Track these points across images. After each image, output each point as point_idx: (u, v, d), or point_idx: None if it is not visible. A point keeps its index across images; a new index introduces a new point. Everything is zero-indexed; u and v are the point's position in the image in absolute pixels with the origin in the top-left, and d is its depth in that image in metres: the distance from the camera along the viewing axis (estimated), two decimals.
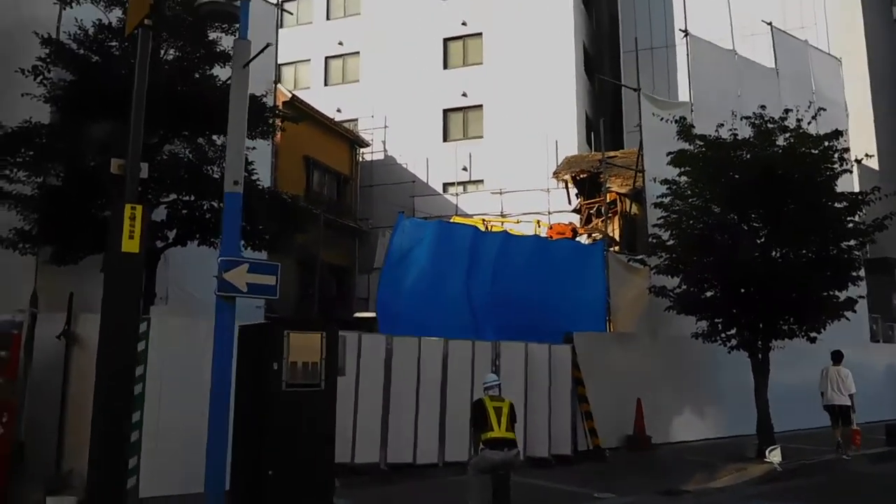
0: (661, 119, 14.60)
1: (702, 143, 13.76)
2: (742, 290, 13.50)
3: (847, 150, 13.67)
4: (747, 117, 13.60)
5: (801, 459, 13.01)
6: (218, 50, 10.14)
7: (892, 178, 27.16)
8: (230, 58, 10.19)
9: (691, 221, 13.89)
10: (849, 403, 13.71)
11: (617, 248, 18.16)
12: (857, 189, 16.20)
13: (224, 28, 10.09)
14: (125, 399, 7.18)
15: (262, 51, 7.67)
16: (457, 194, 29.04)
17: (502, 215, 27.45)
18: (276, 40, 13.55)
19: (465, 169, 29.34)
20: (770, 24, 19.44)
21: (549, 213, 26.67)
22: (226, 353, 7.38)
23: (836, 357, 13.99)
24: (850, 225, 13.58)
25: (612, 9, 32.16)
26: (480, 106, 29.69)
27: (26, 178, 10.00)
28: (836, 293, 13.73)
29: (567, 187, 24.25)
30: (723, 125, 13.98)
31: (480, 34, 29.95)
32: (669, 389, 14.99)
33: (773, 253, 13.53)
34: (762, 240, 13.46)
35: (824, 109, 14.02)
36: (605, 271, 15.19)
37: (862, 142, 26.21)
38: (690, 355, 15.04)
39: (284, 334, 7.49)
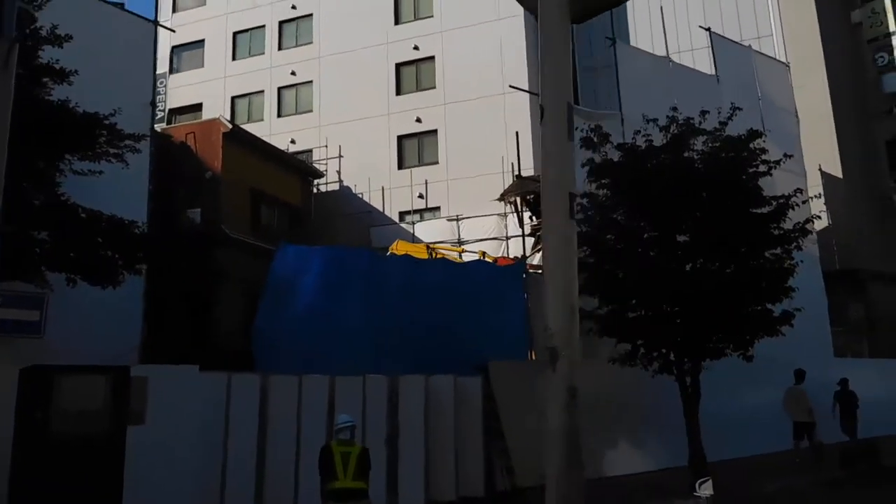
0: (579, 129, 13.62)
1: (620, 152, 12.80)
2: (665, 308, 12.40)
3: (764, 150, 12.62)
4: (653, 120, 12.61)
5: (735, 492, 11.77)
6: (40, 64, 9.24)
7: (854, 182, 26.26)
8: (60, 73, 9.39)
9: (608, 236, 12.85)
10: (812, 421, 14.01)
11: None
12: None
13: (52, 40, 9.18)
14: None
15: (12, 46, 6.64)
16: (413, 223, 28.07)
17: (459, 242, 26.48)
18: (154, 58, 12.75)
19: (420, 196, 28.47)
20: (708, 29, 18.59)
21: (507, 238, 25.68)
22: None
23: (798, 376, 14.15)
24: (776, 232, 12.48)
25: None
26: (435, 131, 28.89)
27: None
28: (770, 307, 12.60)
29: (518, 210, 23.26)
30: (639, 132, 13.03)
31: (433, 58, 29.24)
32: (598, 420, 13.73)
33: (694, 265, 12.43)
34: (681, 252, 12.37)
35: (740, 109, 12.99)
36: (525, 294, 14.08)
37: (824, 148, 25.27)
38: (621, 382, 13.85)
39: (52, 378, 6.48)
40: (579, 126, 13.71)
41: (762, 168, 12.59)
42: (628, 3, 29.46)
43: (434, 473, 11.80)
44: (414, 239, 27.25)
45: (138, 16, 12.44)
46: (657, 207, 12.28)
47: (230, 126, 24.56)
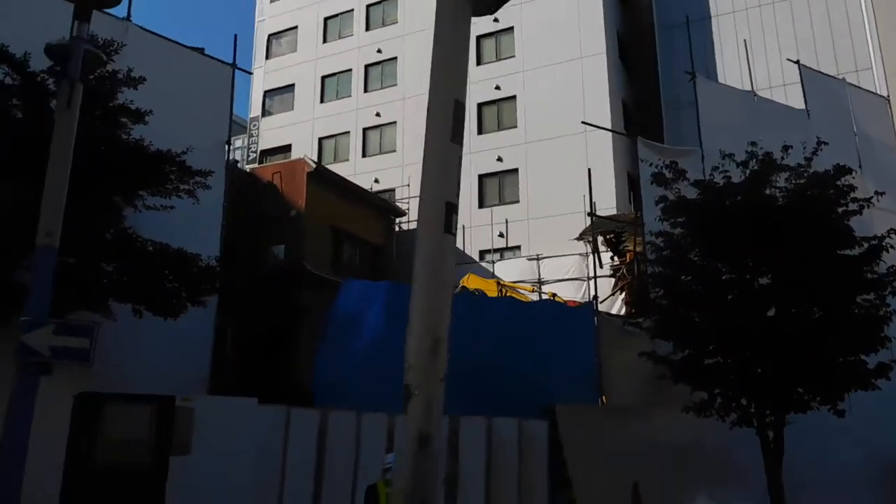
0: (652, 165, 13.17)
1: (697, 189, 12.28)
2: (744, 354, 11.65)
3: (853, 187, 11.78)
4: (729, 155, 12.02)
5: None
6: (116, 105, 9.69)
7: None
8: (136, 114, 9.80)
9: (683, 277, 12.26)
10: None
11: (626, 310, 16.44)
12: None
13: (128, 83, 9.63)
14: None
15: (75, 86, 6.96)
16: (493, 261, 27.90)
17: (539, 282, 26.11)
18: (231, 99, 13.22)
19: (501, 235, 28.30)
20: (797, 62, 17.76)
21: (588, 278, 25.09)
22: (21, 420, 6.43)
23: None
24: (869, 276, 11.56)
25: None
26: (516, 170, 28.77)
27: None
28: (864, 357, 11.64)
29: (596, 250, 22.70)
30: (717, 168, 12.48)
31: (514, 97, 29.28)
32: (675, 472, 12.99)
33: (776, 310, 11.65)
34: (761, 296, 11.63)
35: (825, 143, 12.19)
36: (595, 336, 13.56)
37: None
38: (701, 432, 13.05)
39: (96, 405, 6.58)
40: (653, 162, 13.30)
41: (853, 206, 11.75)
42: (716, 38, 28.72)
43: None
44: (494, 277, 27.06)
45: (218, 59, 12.99)
46: (735, 248, 11.65)
47: (314, 165, 25.19)
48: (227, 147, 12.84)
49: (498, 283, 21.13)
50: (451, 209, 2.80)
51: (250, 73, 13.96)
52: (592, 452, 12.36)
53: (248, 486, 9.82)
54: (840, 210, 11.81)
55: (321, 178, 25.66)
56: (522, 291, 21.03)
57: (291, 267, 23.36)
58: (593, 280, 24.36)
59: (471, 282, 22.29)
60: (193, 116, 12.43)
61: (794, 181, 11.93)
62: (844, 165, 11.87)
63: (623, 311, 18.12)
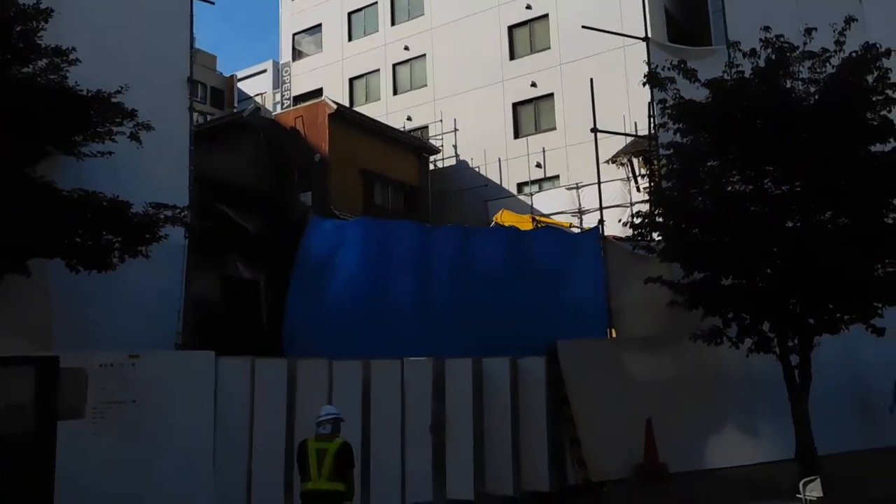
0: (658, 67, 11.57)
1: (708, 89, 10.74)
2: (766, 273, 10.23)
3: (888, 70, 9.96)
4: (740, 49, 10.35)
5: (850, 495, 9.53)
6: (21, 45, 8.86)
7: None
8: (48, 53, 9.04)
9: (693, 191, 10.82)
10: None
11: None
12: None
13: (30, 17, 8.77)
14: None
15: None
16: (531, 194, 26.55)
17: (580, 212, 24.70)
18: (191, 32, 12.31)
19: (538, 165, 26.84)
20: None
21: (632, 203, 23.52)
22: None
23: None
24: None
25: None
26: (551, 95, 27.07)
27: None
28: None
29: (635, 173, 21.11)
30: (732, 64, 10.87)
31: (546, 16, 27.36)
32: (692, 406, 11.82)
33: (801, 220, 10.13)
34: (782, 205, 10.10)
35: (855, 19, 10.31)
36: (603, 265, 12.31)
37: None
38: (720, 362, 11.77)
39: None
40: (659, 63, 11.74)
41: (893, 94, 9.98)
42: None
43: (490, 465, 10.57)
44: (532, 211, 25.80)
45: None
46: (747, 153, 10.13)
47: (335, 106, 24.26)
48: (189, 84, 12.01)
49: (533, 218, 19.87)
50: None
51: (211, 3, 12.88)
52: (597, 388, 11.33)
53: (212, 440, 9.29)
54: (875, 99, 10.06)
55: (344, 119, 24.75)
56: (559, 225, 19.73)
57: (319, 214, 22.76)
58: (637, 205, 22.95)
59: (504, 217, 21.14)
60: (150, 54, 11.64)
61: (818, 70, 10.22)
62: (876, 44, 10.04)
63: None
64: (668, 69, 11.27)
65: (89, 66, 10.06)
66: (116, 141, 9.65)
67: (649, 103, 11.70)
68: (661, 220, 11.00)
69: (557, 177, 26.49)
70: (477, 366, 10.66)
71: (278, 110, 31.51)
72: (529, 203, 26.43)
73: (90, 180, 9.95)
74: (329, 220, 12.11)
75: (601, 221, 13.86)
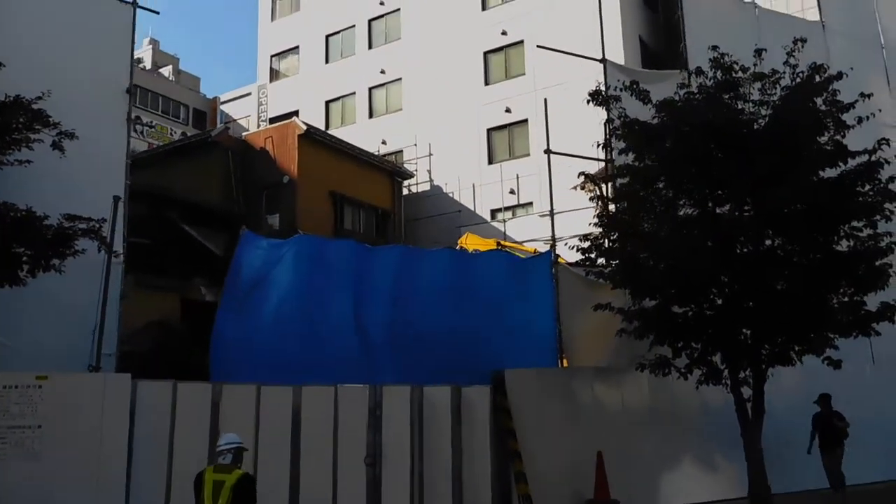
0: (615, 89, 11.28)
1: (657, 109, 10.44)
2: (713, 301, 9.84)
3: (836, 92, 9.68)
4: (697, 68, 10.09)
5: None
6: None
7: None
8: None
9: (642, 214, 10.47)
10: None
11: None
12: None
13: None
14: None
15: None
16: (504, 220, 26.21)
17: (553, 239, 24.32)
18: (133, 42, 11.92)
19: (512, 192, 26.54)
20: None
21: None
22: None
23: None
24: (863, 199, 9.49)
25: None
26: (525, 121, 26.84)
27: None
28: (860, 297, 9.69)
29: (604, 200, 20.70)
30: (684, 86, 10.59)
31: (521, 42, 27.26)
32: (645, 439, 11.35)
33: (749, 246, 9.78)
34: (728, 229, 9.75)
35: (803, 40, 10.05)
36: (554, 290, 11.89)
37: None
38: (676, 393, 11.33)
39: None
40: (613, 85, 11.46)
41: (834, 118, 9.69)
42: None
43: (430, 501, 10.01)
44: (505, 238, 25.44)
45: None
46: (698, 175, 9.80)
47: (304, 127, 23.94)
48: (128, 96, 11.59)
49: (498, 242, 19.47)
50: None
51: (156, 13, 12.53)
52: (546, 420, 10.85)
53: (125, 469, 8.76)
54: (827, 122, 9.76)
55: (314, 140, 24.43)
56: (524, 251, 19.32)
57: (286, 236, 22.32)
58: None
59: (469, 241, 20.75)
60: (88, 62, 11.25)
61: (768, 92, 9.93)
62: (822, 65, 9.77)
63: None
64: (620, 90, 11.02)
65: (19, 74, 9.74)
66: (33, 149, 9.24)
67: (604, 123, 11.34)
68: (609, 243, 10.63)
69: (531, 203, 26.18)
70: (417, 394, 10.16)
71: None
72: (502, 230, 26.12)
73: (15, 191, 9.56)
74: (264, 239, 11.67)
75: (553, 245, 13.47)
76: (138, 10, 11.87)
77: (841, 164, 9.59)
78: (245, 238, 11.23)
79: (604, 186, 20.44)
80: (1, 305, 9.40)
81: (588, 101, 10.72)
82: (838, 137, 9.92)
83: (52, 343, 10.18)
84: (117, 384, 8.89)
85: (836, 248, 9.52)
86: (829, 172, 9.80)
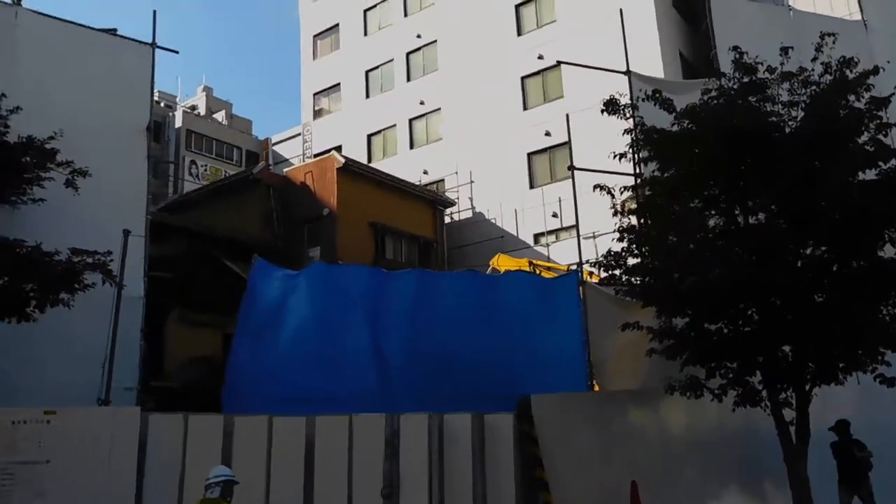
0: (642, 101, 10.82)
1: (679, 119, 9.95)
2: (750, 317, 9.18)
3: (870, 87, 9.01)
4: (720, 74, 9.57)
5: None
6: None
7: None
8: None
9: (666, 226, 9.92)
10: None
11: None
12: None
13: None
14: None
15: None
16: (548, 244, 25.73)
17: (580, 258, 23.76)
18: (152, 82, 12.09)
19: (555, 215, 26.04)
20: None
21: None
22: None
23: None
24: None
25: None
26: (565, 143, 26.36)
27: None
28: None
29: (625, 213, 20.07)
30: (708, 91, 10.08)
31: (558, 65, 26.91)
32: (685, 467, 10.62)
33: (784, 258, 9.10)
34: (758, 241, 9.10)
35: (833, 34, 9.39)
36: (582, 311, 11.35)
37: None
38: (715, 416, 10.59)
39: None
40: (637, 96, 11.02)
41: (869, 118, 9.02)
42: None
43: None
44: (549, 262, 24.92)
45: (135, 40, 11.93)
46: (727, 183, 9.24)
47: (342, 161, 24.08)
48: (147, 133, 11.72)
49: (530, 262, 19.02)
50: None
51: (175, 52, 12.68)
52: (576, 448, 10.26)
53: (136, 502, 8.59)
54: (867, 122, 9.09)
55: (352, 173, 24.53)
56: (557, 270, 18.81)
57: None
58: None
59: (500, 262, 20.36)
60: (109, 103, 11.44)
61: (797, 92, 9.33)
62: (851, 58, 9.13)
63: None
64: (642, 99, 10.57)
65: (40, 115, 9.93)
66: (45, 187, 9.33)
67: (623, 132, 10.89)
68: (632, 257, 10.10)
69: (574, 226, 25.62)
70: (436, 422, 9.74)
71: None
72: (546, 254, 25.63)
73: (35, 228, 9.69)
74: (278, 269, 11.48)
75: (579, 265, 12.94)
76: (196, 56, 12.10)
77: (882, 163, 8.88)
78: (258, 265, 11.11)
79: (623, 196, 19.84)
80: (18, 341, 9.44)
81: (602, 112, 10.28)
82: (880, 136, 9.23)
83: (69, 378, 10.19)
84: (126, 418, 8.77)
85: (880, 255, 8.77)
86: (869, 175, 9.10)
